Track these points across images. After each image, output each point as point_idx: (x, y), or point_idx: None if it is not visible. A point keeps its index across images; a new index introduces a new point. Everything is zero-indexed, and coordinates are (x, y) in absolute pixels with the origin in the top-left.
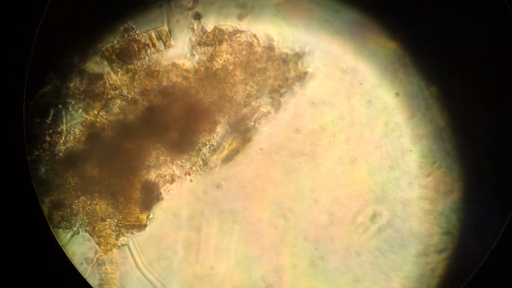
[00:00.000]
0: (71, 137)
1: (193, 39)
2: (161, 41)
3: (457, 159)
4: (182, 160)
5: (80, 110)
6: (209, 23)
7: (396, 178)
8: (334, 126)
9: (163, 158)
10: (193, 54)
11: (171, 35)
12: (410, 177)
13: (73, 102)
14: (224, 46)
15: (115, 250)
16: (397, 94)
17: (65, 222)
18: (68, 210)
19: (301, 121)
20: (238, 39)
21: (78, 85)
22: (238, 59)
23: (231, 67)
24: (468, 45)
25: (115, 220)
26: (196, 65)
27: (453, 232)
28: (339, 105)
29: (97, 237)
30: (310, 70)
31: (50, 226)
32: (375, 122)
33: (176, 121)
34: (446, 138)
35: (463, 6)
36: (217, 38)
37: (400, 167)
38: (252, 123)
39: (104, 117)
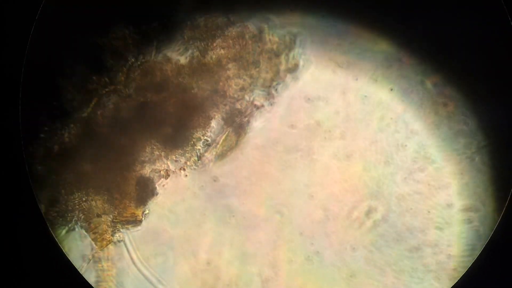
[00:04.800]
0: (66, 133)
1: (186, 34)
2: None
3: (451, 154)
4: (177, 155)
5: (74, 107)
6: (202, 18)
7: (391, 173)
8: (329, 122)
9: (157, 153)
10: (187, 49)
11: None
12: (404, 172)
13: (68, 98)
14: (217, 40)
15: (111, 246)
16: (391, 89)
17: (60, 219)
18: (64, 206)
19: (297, 116)
20: (231, 33)
21: (73, 81)
22: (231, 53)
23: (224, 61)
24: (462, 40)
25: (111, 216)
26: (189, 60)
27: (447, 226)
28: (334, 101)
29: (93, 233)
30: (301, 62)
31: (46, 223)
32: (370, 117)
33: (170, 116)
34: (439, 133)
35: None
36: (210, 33)
37: (395, 162)
38: (246, 118)
39: (98, 113)
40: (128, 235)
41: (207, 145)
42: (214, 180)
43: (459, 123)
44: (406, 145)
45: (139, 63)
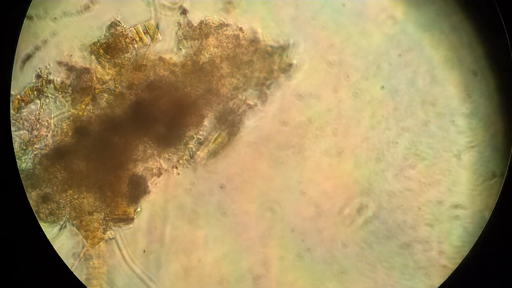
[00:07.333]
0: (58, 131)
1: (180, 33)
2: (148, 35)
3: (441, 152)
4: (169, 154)
5: (67, 104)
6: (196, 17)
7: (382, 170)
8: (321, 119)
9: (150, 152)
10: (180, 48)
11: (158, 29)
12: (395, 169)
13: (60, 96)
14: (211, 39)
15: (102, 244)
16: (382, 87)
17: (52, 216)
18: (55, 204)
19: (288, 113)
20: (224, 32)
21: (65, 79)
22: (225, 52)
23: (218, 60)
24: (455, 40)
25: (103, 213)
26: (183, 59)
27: (437, 223)
28: (326, 98)
29: (84, 231)
30: (294, 62)
31: (38, 220)
32: (361, 114)
33: (163, 114)
34: (430, 131)
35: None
36: (203, 32)
37: (386, 159)
38: (239, 116)
39: (91, 111)
40: (119, 232)
41: (200, 143)
42: (206, 178)
43: (449, 121)
44: (397, 142)
45: (132, 61)
